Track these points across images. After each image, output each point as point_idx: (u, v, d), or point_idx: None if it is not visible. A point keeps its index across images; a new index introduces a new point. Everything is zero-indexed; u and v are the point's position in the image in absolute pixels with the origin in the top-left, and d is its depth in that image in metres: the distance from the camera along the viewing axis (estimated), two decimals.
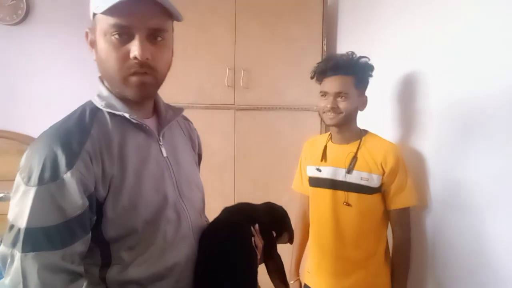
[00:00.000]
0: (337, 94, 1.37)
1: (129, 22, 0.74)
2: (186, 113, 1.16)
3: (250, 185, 2.27)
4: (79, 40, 3.09)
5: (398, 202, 1.38)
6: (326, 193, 1.45)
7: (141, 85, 0.79)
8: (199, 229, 0.95)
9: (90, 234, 0.74)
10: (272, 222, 1.08)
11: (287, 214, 1.16)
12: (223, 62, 2.22)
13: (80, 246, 0.72)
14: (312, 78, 1.51)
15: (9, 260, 0.68)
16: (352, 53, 1.41)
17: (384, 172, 1.35)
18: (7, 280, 0.67)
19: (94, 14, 0.79)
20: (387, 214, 1.42)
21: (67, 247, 0.69)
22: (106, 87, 0.85)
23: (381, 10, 1.80)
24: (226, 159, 2.26)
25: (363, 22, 2.03)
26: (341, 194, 1.41)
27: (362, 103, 1.43)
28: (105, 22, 0.75)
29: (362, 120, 1.49)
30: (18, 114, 2.67)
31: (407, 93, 1.54)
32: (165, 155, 0.88)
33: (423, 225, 1.41)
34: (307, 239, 1.65)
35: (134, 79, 0.78)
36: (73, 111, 0.82)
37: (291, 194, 2.25)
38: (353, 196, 1.39)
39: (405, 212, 1.39)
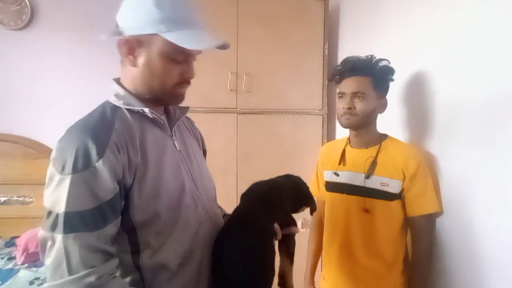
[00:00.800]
0: (354, 94, 1.34)
1: (194, 54, 0.92)
2: (189, 116, 1.18)
3: None
4: (84, 44, 3.11)
5: (418, 209, 1.31)
6: (343, 198, 1.41)
7: (183, 96, 0.96)
8: (214, 215, 1.03)
9: (120, 217, 0.81)
10: (295, 206, 1.09)
11: (309, 190, 1.16)
12: (225, 66, 2.23)
13: (112, 228, 0.79)
14: (330, 80, 1.49)
15: (49, 243, 0.74)
16: (372, 56, 1.39)
17: (405, 177, 1.30)
18: (48, 261, 0.74)
19: (151, 33, 0.85)
20: (407, 222, 1.36)
21: (101, 229, 0.76)
22: (124, 87, 0.92)
23: (382, 14, 1.82)
24: (228, 163, 2.27)
25: (364, 26, 2.04)
26: (359, 200, 1.36)
27: (381, 106, 1.39)
28: (171, 48, 0.85)
29: None
30: (23, 118, 2.69)
31: (411, 95, 1.54)
32: (178, 148, 0.98)
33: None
34: (323, 245, 1.59)
35: (182, 91, 0.94)
36: (93, 110, 0.89)
37: None
38: (371, 202, 1.34)
39: (426, 220, 1.32)
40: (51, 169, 0.77)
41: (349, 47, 2.28)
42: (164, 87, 0.90)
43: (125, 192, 0.81)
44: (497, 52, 1.08)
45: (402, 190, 1.32)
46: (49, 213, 0.75)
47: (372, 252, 1.35)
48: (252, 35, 2.27)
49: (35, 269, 2.08)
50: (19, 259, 2.16)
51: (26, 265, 2.13)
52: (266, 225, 0.95)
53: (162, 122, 0.94)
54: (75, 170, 0.74)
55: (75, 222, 0.73)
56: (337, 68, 1.43)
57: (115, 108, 0.89)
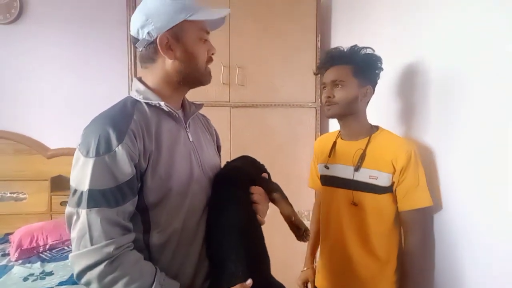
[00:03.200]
0: (333, 83, 1.32)
1: (210, 31, 1.07)
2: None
3: None
4: (74, 38, 3.07)
5: (409, 203, 1.26)
6: (333, 191, 1.39)
7: (211, 73, 1.08)
8: None
9: (137, 197, 0.90)
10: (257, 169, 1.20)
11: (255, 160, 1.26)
12: (218, 60, 2.20)
13: (130, 206, 0.88)
14: (316, 75, 1.50)
15: (75, 218, 0.84)
16: (355, 45, 1.36)
17: (395, 170, 1.26)
18: (74, 233, 0.83)
19: (180, 22, 0.97)
20: (399, 217, 1.32)
21: (120, 206, 0.85)
22: (144, 84, 1.02)
23: (375, 4, 1.81)
24: (222, 156, 2.26)
25: (357, 17, 2.04)
26: (347, 193, 1.34)
27: (363, 94, 1.33)
28: (198, 28, 1.00)
29: None
30: (13, 114, 2.67)
31: (404, 87, 1.54)
32: (191, 139, 1.06)
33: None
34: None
35: (209, 69, 1.07)
36: (115, 104, 0.99)
37: (287, 190, 2.25)
38: (360, 196, 1.31)
39: (417, 214, 1.27)
40: (77, 153, 0.87)
41: (342, 39, 2.27)
42: (201, 66, 1.02)
43: (140, 176, 0.90)
44: (494, 42, 1.06)
45: (393, 183, 1.29)
46: (75, 191, 0.85)
47: (365, 248, 1.32)
48: (245, 28, 2.25)
49: (29, 265, 2.07)
50: (13, 255, 2.15)
51: (20, 261, 2.12)
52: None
53: (177, 115, 1.02)
54: (97, 153, 0.84)
55: (97, 198, 0.82)
56: (320, 60, 1.43)
57: (135, 102, 0.98)
